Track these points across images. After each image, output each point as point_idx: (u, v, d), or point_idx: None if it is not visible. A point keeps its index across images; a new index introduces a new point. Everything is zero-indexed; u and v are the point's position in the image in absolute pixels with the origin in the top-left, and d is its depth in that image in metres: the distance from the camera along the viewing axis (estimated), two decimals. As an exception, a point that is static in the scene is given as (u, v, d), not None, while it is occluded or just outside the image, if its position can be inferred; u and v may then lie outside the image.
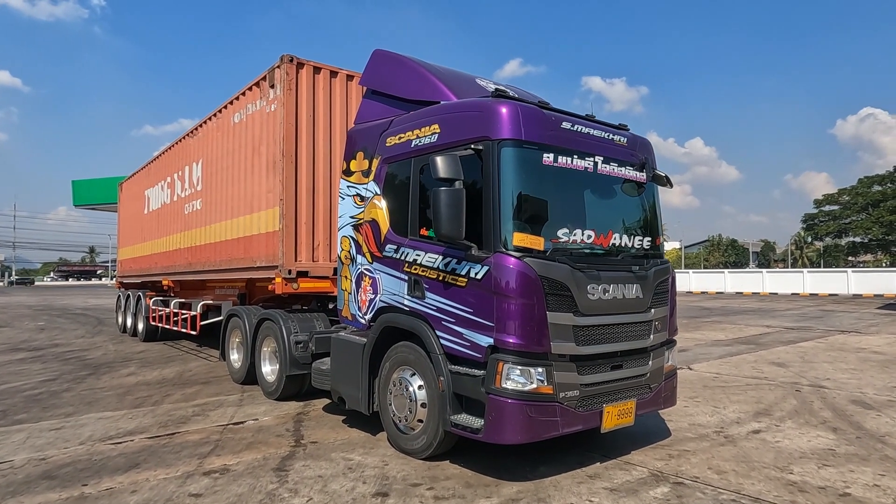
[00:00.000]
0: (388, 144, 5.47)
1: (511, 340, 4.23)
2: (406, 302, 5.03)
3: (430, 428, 4.77)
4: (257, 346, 7.65)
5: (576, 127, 4.83)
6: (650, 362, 5.06)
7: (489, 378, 4.29)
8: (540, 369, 4.28)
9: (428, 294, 4.81)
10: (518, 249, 4.31)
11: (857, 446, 5.34)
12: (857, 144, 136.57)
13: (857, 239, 56.21)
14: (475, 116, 4.64)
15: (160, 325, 12.16)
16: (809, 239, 63.92)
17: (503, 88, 4.88)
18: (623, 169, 5.13)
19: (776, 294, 37.01)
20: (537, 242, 4.41)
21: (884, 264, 50.67)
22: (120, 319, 15.53)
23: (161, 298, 12.45)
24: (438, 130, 4.91)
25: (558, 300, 4.37)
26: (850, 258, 58.58)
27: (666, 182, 5.49)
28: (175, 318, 11.20)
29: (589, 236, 4.77)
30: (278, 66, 7.28)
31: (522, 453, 4.96)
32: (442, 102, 5.16)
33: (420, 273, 4.89)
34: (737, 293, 38.81)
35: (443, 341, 4.65)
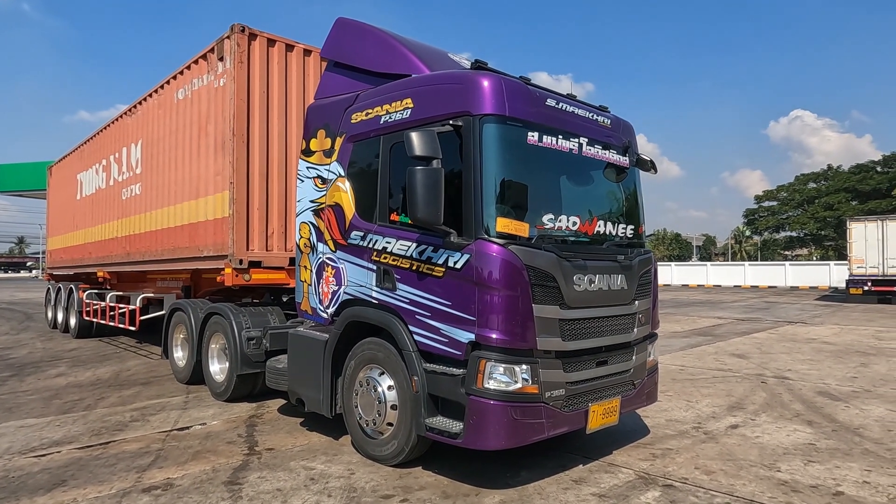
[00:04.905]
0: (353, 121, 4.97)
1: (494, 336, 3.84)
2: (374, 294, 4.57)
3: (402, 432, 4.34)
4: (204, 343, 7.01)
5: (561, 105, 4.47)
6: (633, 357, 4.78)
7: (470, 377, 3.89)
8: (525, 367, 3.91)
9: (400, 285, 4.36)
10: (501, 236, 3.92)
11: (835, 440, 5.23)
12: (788, 144, 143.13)
13: (794, 233, 58.71)
14: (454, 90, 4.21)
15: (95, 319, 11.22)
16: (748, 233, 66.34)
17: (483, 61, 4.46)
18: (607, 152, 4.82)
19: (720, 286, 38.21)
20: (522, 229, 4.03)
21: (815, 258, 53.04)
22: (49, 314, 14.36)
23: (96, 291, 11.50)
24: (412, 105, 4.46)
25: (544, 291, 4.01)
26: (785, 252, 61.19)
27: (650, 167, 5.22)
28: (112, 313, 10.34)
29: (574, 223, 4.43)
30: (228, 37, 6.64)
31: (500, 458, 4.59)
32: (414, 75, 4.70)
33: (390, 262, 4.44)
34: (683, 285, 39.87)
35: (416, 337, 4.22)
